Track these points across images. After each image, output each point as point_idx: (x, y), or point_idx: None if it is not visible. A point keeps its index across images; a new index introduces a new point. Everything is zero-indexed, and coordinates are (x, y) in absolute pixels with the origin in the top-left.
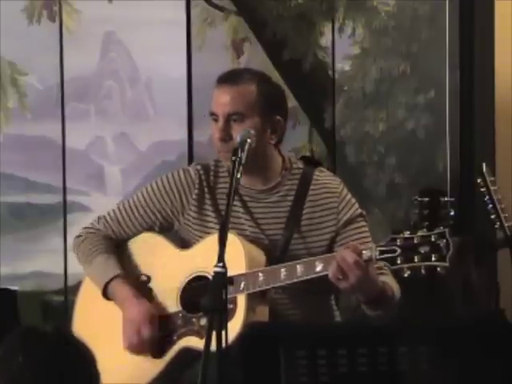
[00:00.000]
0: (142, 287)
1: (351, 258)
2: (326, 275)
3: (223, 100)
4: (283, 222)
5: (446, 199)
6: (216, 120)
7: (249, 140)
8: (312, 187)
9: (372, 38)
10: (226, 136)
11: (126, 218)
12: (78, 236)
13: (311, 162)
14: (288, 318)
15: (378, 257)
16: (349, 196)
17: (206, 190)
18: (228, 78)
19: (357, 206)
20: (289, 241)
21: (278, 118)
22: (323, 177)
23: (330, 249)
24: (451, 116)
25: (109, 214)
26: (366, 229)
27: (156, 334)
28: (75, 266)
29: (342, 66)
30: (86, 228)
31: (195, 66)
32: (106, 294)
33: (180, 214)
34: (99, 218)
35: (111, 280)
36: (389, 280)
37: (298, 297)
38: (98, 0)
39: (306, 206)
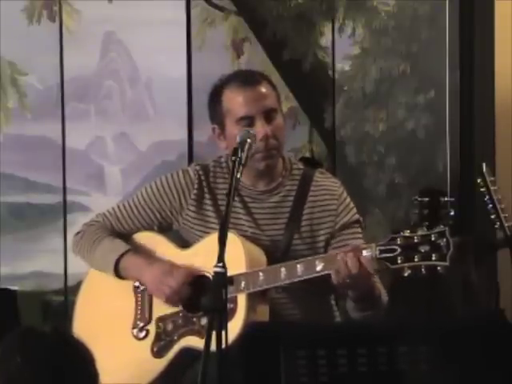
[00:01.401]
0: (141, 287)
1: (352, 257)
2: (326, 275)
3: (256, 98)
4: (284, 223)
5: (446, 199)
6: (249, 124)
7: (249, 140)
8: (312, 188)
9: (372, 38)
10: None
11: (125, 216)
12: (78, 233)
13: (311, 163)
14: (288, 318)
15: (378, 256)
16: (348, 199)
17: (205, 190)
18: (244, 80)
19: (355, 210)
20: (290, 241)
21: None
22: (323, 178)
23: (325, 250)
24: (451, 116)
25: (108, 211)
26: (361, 236)
27: (186, 282)
28: (75, 266)
29: (342, 65)
30: (84, 224)
31: (195, 66)
32: (117, 271)
33: (179, 214)
34: (98, 215)
35: (123, 255)
36: (377, 283)
37: (298, 297)
38: (98, 0)
39: (306, 207)
